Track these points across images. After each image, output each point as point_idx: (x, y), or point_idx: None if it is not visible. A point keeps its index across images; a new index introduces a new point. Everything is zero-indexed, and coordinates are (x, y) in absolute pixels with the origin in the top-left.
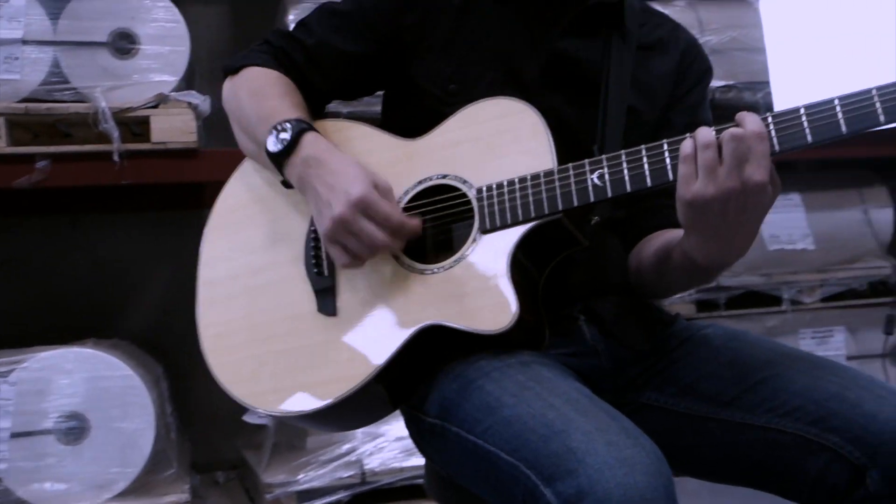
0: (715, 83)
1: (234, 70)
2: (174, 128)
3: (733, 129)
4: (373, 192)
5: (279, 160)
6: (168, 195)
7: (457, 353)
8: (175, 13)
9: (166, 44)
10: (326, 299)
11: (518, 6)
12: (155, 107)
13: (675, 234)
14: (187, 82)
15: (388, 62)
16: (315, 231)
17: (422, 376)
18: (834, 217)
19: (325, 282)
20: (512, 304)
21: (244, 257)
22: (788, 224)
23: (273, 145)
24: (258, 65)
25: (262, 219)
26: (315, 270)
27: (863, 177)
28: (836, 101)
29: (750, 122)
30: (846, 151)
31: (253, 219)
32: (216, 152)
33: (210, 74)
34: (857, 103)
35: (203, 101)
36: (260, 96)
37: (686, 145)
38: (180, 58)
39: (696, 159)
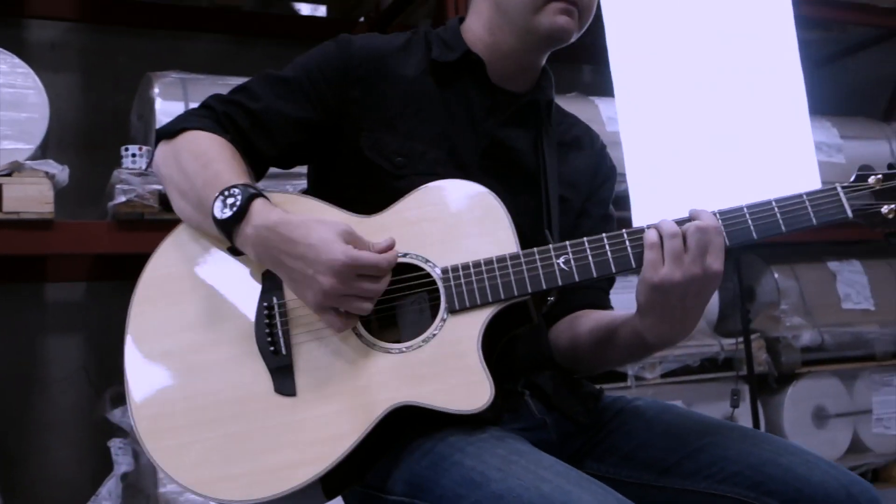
0: None
1: (172, 133)
2: (28, 197)
3: (698, 222)
4: (351, 251)
5: (228, 228)
6: (10, 267)
7: (421, 430)
8: (34, 80)
9: (23, 110)
10: (284, 379)
11: (460, 94)
12: (8, 175)
13: (613, 314)
14: (42, 151)
15: (334, 132)
16: (269, 307)
17: (380, 455)
18: None
19: (282, 360)
20: (488, 383)
21: (182, 333)
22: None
23: (220, 212)
24: (200, 129)
25: (200, 292)
26: (271, 349)
27: None
28: (773, 203)
29: (708, 217)
30: None
31: (190, 291)
32: (72, 224)
33: (61, 144)
34: (792, 206)
35: (61, 171)
36: (203, 161)
37: (651, 234)
38: (37, 125)
39: (662, 247)
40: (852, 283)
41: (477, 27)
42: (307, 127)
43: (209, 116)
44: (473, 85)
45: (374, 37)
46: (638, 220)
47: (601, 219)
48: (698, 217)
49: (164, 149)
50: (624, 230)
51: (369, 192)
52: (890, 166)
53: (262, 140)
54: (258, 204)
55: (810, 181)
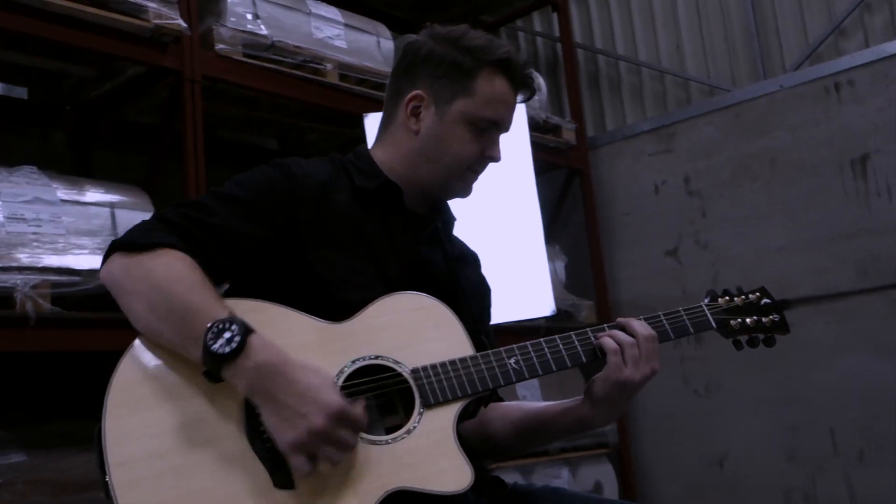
0: None
1: (139, 247)
2: None
3: (647, 333)
4: (337, 400)
5: (221, 361)
6: None
7: None
8: None
9: None
10: (282, 473)
11: (381, 217)
12: None
13: (541, 406)
14: None
15: (282, 249)
16: (257, 406)
17: None
18: None
19: (278, 456)
20: (468, 466)
21: (165, 435)
22: None
23: (220, 347)
24: (169, 246)
25: (178, 394)
26: (268, 445)
27: None
28: (704, 305)
29: (645, 327)
30: None
31: (166, 394)
32: None
33: None
34: (675, 318)
35: None
36: (186, 285)
37: (610, 343)
38: None
39: (622, 353)
40: (528, 385)
41: (389, 159)
42: (260, 243)
43: (172, 231)
44: (391, 209)
45: (307, 163)
46: None
47: (489, 328)
48: (630, 326)
49: (126, 261)
50: (556, 336)
51: (316, 303)
52: (725, 292)
53: (221, 255)
54: (256, 340)
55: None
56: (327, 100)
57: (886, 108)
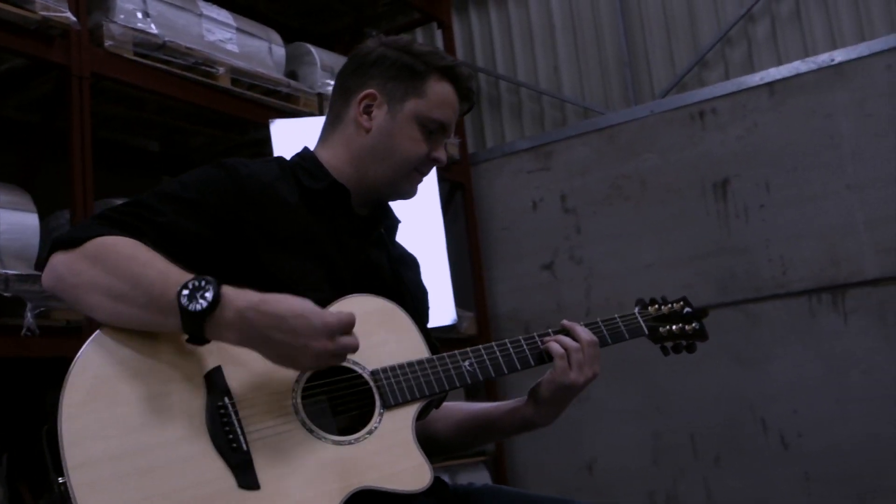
0: None
1: (77, 242)
2: None
3: (590, 339)
4: (327, 314)
5: (202, 318)
6: None
7: None
8: None
9: None
10: (246, 474)
11: (329, 219)
12: None
13: (484, 406)
14: None
15: (228, 250)
16: (223, 406)
17: None
18: None
19: (242, 456)
20: (427, 466)
21: (126, 436)
22: None
23: (193, 304)
24: (111, 235)
25: (138, 393)
26: (233, 445)
27: None
28: (637, 313)
29: (588, 332)
30: None
31: (127, 393)
32: None
33: None
34: (612, 323)
35: None
36: (142, 261)
37: (556, 347)
38: None
39: (568, 357)
40: None
41: (337, 161)
42: (207, 244)
43: (115, 225)
44: (338, 210)
45: (252, 164)
46: None
47: (428, 331)
48: (574, 330)
49: (68, 256)
50: (505, 339)
51: None
52: (652, 301)
53: (169, 254)
54: (229, 289)
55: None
56: (218, 104)
57: (745, 136)
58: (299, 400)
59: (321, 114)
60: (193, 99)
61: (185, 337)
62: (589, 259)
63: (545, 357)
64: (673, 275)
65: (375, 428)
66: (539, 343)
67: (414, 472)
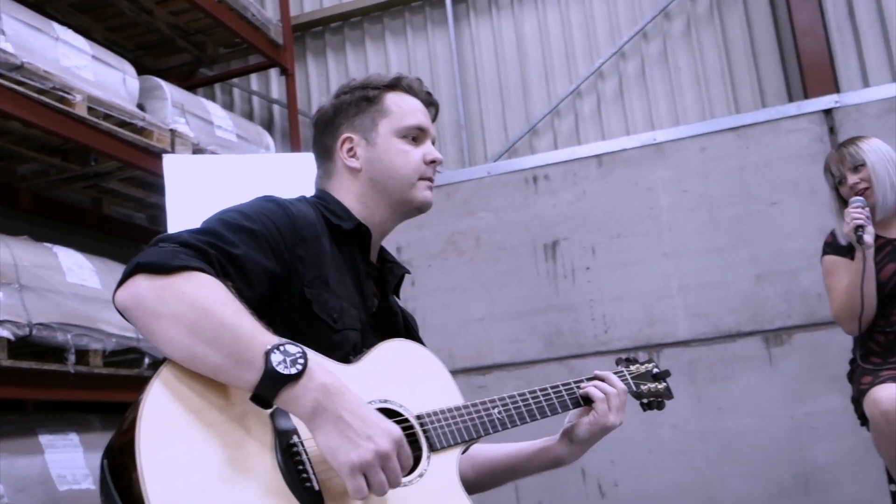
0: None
1: (169, 269)
2: None
3: (623, 387)
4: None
5: (283, 382)
6: None
7: None
8: None
9: None
10: None
11: (351, 260)
12: None
13: (515, 447)
14: None
15: (288, 285)
16: (293, 444)
17: None
18: None
19: (315, 496)
20: None
21: (203, 472)
22: (71, 464)
23: (285, 368)
24: (200, 270)
25: (207, 429)
26: (306, 484)
27: (118, 422)
28: (626, 371)
29: (619, 381)
30: (106, 395)
31: (196, 430)
32: None
33: None
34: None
35: None
36: (232, 308)
37: (597, 393)
38: None
39: (608, 401)
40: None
41: (349, 202)
42: (272, 277)
43: (199, 257)
44: (359, 252)
45: (293, 201)
46: None
47: None
48: (610, 379)
49: (155, 283)
50: (556, 384)
51: (308, 341)
52: (629, 360)
53: (242, 284)
54: (314, 363)
55: None
56: (71, 131)
57: (575, 201)
58: None
59: (173, 150)
60: (47, 124)
61: (249, 395)
62: (422, 310)
63: (581, 402)
64: (503, 329)
65: (425, 471)
66: (576, 389)
67: None
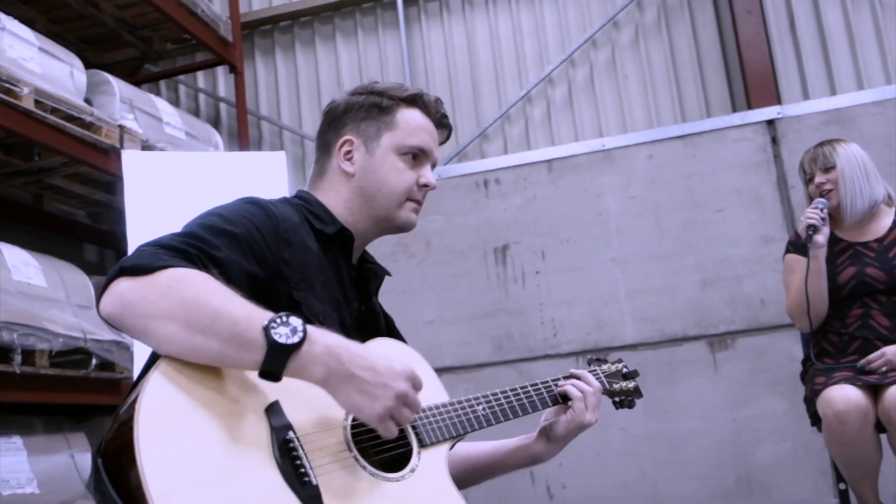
0: None
1: (152, 270)
2: None
3: (598, 385)
4: (404, 363)
5: (289, 352)
6: None
7: None
8: None
9: None
10: None
11: (334, 264)
12: None
13: (492, 445)
14: None
15: (273, 286)
16: (289, 440)
17: None
18: (49, 461)
19: (313, 490)
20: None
21: (202, 467)
22: (15, 468)
23: (286, 338)
24: (183, 267)
25: (205, 424)
26: (304, 479)
27: (66, 423)
28: (598, 369)
29: (595, 380)
30: (52, 397)
31: (194, 425)
32: None
33: None
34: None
35: None
36: (223, 295)
37: (574, 391)
38: None
39: (585, 400)
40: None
41: (336, 206)
42: (255, 280)
43: (181, 257)
44: (341, 256)
45: (275, 203)
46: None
47: None
48: (585, 377)
49: (139, 284)
50: (534, 383)
51: None
52: (599, 360)
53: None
54: (313, 328)
55: None
56: (16, 125)
57: (525, 206)
58: (350, 436)
59: (122, 146)
60: None
61: (257, 372)
62: None
63: (559, 399)
64: (452, 332)
65: (416, 467)
66: (553, 387)
67: None
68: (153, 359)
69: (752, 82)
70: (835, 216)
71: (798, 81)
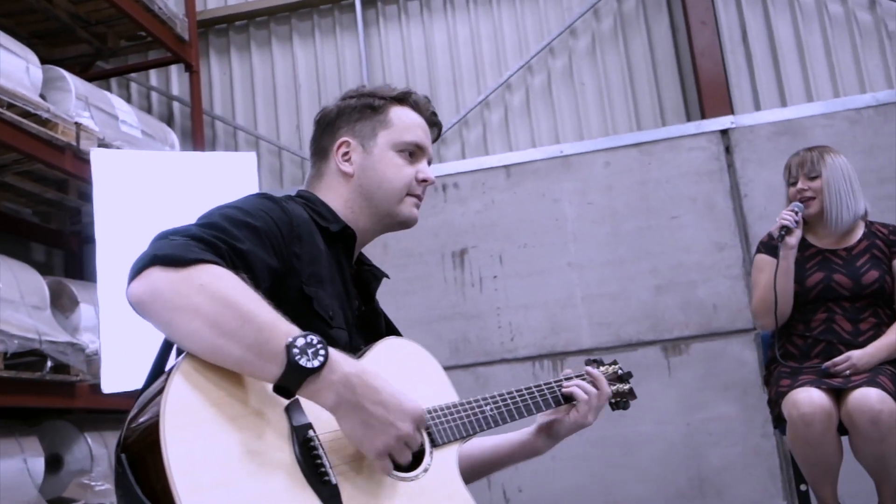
0: None
1: (185, 262)
2: None
3: (607, 389)
4: (416, 403)
5: (306, 374)
6: None
7: None
8: None
9: None
10: None
11: (337, 261)
12: None
13: (496, 440)
14: None
15: (286, 281)
16: (310, 439)
17: None
18: (1, 466)
19: (333, 490)
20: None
21: (230, 465)
22: None
23: (307, 361)
24: (215, 263)
25: (231, 424)
26: (325, 478)
27: (18, 427)
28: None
29: (607, 384)
30: (6, 400)
31: (219, 422)
32: None
33: None
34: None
35: None
36: (252, 300)
37: (581, 393)
38: None
39: (590, 402)
40: None
41: (336, 205)
42: (274, 274)
43: (211, 251)
44: (343, 255)
45: (286, 199)
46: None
47: None
48: (599, 382)
49: (172, 276)
50: (538, 385)
51: None
52: (597, 362)
53: (251, 281)
54: (335, 353)
55: None
56: None
57: (483, 210)
58: None
59: (78, 144)
60: None
61: (271, 387)
62: None
63: (562, 400)
64: (409, 335)
65: (429, 466)
66: (557, 389)
67: None
68: (161, 357)
69: (707, 92)
70: (809, 223)
71: (750, 92)
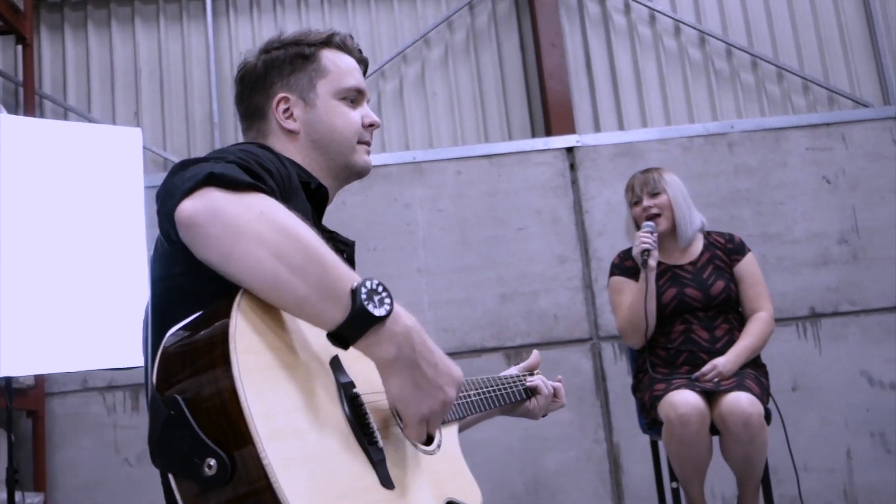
0: None
1: (244, 187)
2: None
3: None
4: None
5: (371, 323)
6: None
7: None
8: None
9: None
10: (384, 472)
11: (310, 220)
12: None
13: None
14: None
15: None
16: (356, 396)
17: None
18: None
19: (379, 453)
20: (476, 484)
21: (296, 412)
22: None
23: (374, 307)
24: (269, 193)
25: (289, 370)
26: (373, 440)
27: None
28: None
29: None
30: None
31: (279, 369)
32: None
33: None
34: None
35: None
36: (313, 237)
37: (544, 389)
38: None
39: (547, 398)
40: None
41: (301, 163)
42: None
43: (260, 181)
44: (315, 214)
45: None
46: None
47: None
48: (547, 382)
49: (231, 198)
50: (501, 378)
51: None
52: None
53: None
54: (399, 307)
55: None
56: None
57: (334, 211)
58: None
59: None
60: None
61: (327, 333)
62: None
63: (529, 393)
64: None
65: (441, 442)
66: (521, 384)
67: (473, 489)
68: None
69: (553, 111)
70: (660, 239)
71: (591, 114)
